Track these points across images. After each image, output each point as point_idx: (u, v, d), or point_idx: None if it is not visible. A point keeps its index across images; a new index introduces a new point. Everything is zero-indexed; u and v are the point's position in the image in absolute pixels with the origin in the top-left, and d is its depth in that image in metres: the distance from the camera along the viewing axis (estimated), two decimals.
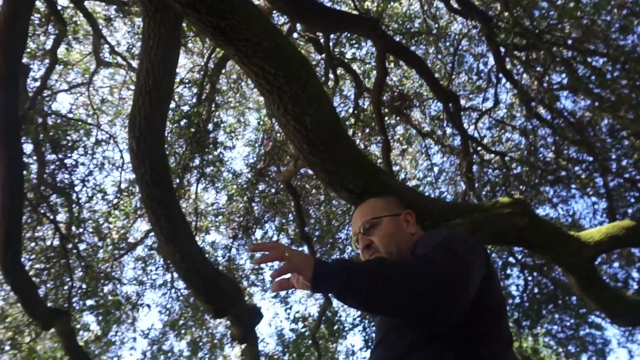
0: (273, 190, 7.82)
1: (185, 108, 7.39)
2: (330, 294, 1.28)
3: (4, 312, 8.61)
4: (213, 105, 7.49)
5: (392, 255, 1.57)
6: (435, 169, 8.84)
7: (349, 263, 1.26)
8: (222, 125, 7.83)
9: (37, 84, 7.49)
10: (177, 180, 7.23)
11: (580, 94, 7.23)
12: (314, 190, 8.04)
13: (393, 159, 7.84)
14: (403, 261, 1.42)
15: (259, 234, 8.04)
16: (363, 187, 3.44)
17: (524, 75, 7.63)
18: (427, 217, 3.57)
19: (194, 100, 7.39)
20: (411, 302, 1.23)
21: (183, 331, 9.03)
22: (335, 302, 7.58)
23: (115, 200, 8.37)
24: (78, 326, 8.17)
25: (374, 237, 1.61)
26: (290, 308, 7.60)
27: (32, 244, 7.87)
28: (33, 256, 7.95)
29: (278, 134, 7.65)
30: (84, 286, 7.96)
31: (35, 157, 7.49)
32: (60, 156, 7.69)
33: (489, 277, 1.42)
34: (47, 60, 7.83)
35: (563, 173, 7.78)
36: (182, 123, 7.00)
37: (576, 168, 7.86)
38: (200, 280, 4.38)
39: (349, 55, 8.44)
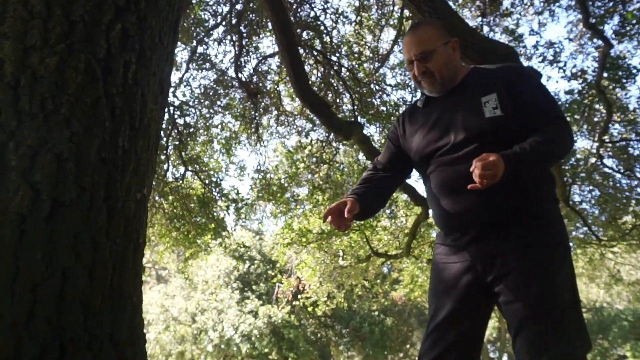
0: None
1: None
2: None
3: (302, 144, 10.21)
4: None
5: (444, 79, 1.77)
6: None
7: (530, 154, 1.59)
8: None
9: None
10: None
11: None
12: None
13: None
14: (555, 135, 1.66)
15: (507, 2, 7.47)
16: None
17: None
18: None
19: None
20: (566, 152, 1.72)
21: None
22: (616, 48, 6.83)
23: (357, 19, 8.67)
24: None
25: (431, 64, 1.76)
26: (564, 66, 7.09)
27: None
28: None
29: None
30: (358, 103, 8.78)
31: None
32: None
33: None
34: None
35: None
36: None
37: None
38: (478, 52, 4.37)
39: None
